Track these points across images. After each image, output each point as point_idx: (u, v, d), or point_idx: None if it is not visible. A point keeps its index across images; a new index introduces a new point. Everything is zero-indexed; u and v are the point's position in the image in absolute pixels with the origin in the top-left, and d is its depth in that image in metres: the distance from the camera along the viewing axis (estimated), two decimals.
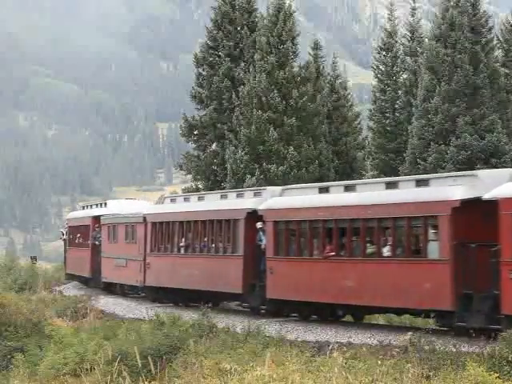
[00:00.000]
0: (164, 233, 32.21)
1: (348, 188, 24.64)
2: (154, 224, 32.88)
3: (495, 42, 39.46)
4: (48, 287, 41.97)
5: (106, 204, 42.21)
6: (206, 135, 45.03)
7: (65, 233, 47.74)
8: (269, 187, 29.25)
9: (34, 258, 51.18)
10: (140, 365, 19.40)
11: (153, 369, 19.56)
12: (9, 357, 28.61)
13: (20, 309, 31.75)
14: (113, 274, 37.61)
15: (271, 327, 24.25)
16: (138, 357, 18.99)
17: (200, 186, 45.66)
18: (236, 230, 27.82)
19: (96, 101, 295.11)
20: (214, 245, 29.12)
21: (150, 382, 19.69)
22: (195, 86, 45.58)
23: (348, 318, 26.36)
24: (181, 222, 31.08)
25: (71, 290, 42.07)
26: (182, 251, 30.91)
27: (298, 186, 29.00)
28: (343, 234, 24.01)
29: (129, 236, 35.52)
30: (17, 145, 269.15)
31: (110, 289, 38.64)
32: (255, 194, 28.16)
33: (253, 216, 26.79)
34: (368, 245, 23.15)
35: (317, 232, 24.87)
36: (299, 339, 22.53)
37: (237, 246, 27.63)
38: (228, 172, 40.62)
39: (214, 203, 29.82)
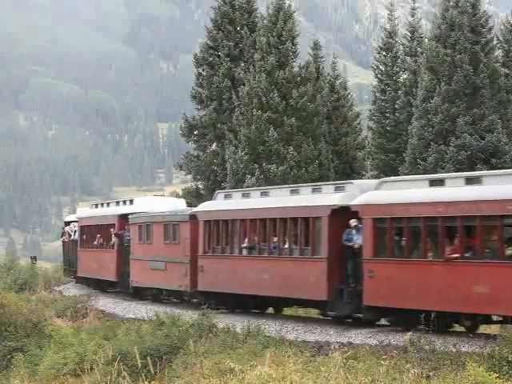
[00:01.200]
0: (221, 232, 28.59)
1: (471, 180, 21.40)
2: (207, 223, 29.06)
3: (495, 42, 39.47)
4: (48, 287, 41.97)
5: (131, 201, 37.45)
6: (206, 135, 45.06)
7: (72, 233, 43.74)
8: (355, 181, 26.74)
9: (33, 258, 51.10)
10: (140, 365, 19.42)
11: (152, 369, 19.59)
12: (9, 357, 28.64)
13: (20, 309, 31.76)
14: (146, 278, 33.49)
15: (271, 327, 24.24)
16: (137, 357, 19.01)
17: (200, 186, 45.70)
18: (317, 228, 24.43)
19: (96, 101, 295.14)
20: (286, 246, 25.80)
21: (149, 382, 19.70)
22: (195, 86, 45.61)
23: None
24: (242, 221, 27.59)
25: (71, 289, 42.05)
26: (245, 253, 27.47)
27: (400, 178, 26.37)
28: (470, 233, 20.89)
29: (169, 236, 31.60)
30: (17, 145, 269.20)
31: (141, 294, 34.68)
32: (337, 189, 24.84)
33: (337, 213, 23.70)
34: (506, 245, 20.28)
35: (433, 231, 21.54)
36: (299, 339, 22.52)
37: (319, 246, 24.32)
38: (228, 172, 40.63)
39: (285, 199, 26.36)
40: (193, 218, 30.00)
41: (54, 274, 48.70)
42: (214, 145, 45.23)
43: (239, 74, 43.06)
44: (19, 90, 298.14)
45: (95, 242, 39.16)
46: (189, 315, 26.18)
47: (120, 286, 36.38)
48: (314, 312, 26.95)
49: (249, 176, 38.63)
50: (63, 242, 47.07)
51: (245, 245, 27.43)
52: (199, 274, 29.27)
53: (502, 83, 37.94)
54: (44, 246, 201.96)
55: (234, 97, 42.13)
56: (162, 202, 38.07)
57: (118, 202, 39.25)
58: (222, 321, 25.58)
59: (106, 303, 34.85)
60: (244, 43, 44.28)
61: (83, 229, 41.44)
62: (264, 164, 38.88)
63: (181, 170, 47.69)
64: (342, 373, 16.10)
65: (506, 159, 35.64)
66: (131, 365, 21.08)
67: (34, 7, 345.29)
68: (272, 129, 39.11)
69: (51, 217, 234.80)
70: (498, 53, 40.32)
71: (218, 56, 44.81)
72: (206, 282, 29.03)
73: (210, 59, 44.91)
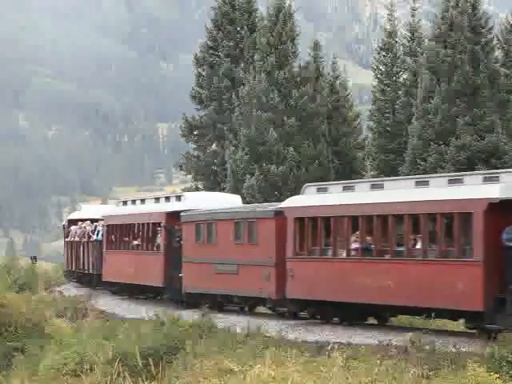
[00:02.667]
0: (319, 231, 24.66)
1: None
2: (298, 220, 25.17)
3: (495, 42, 39.46)
4: (48, 287, 41.96)
5: (179, 197, 33.18)
6: (206, 135, 45.11)
7: (90, 233, 39.79)
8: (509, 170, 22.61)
9: (33, 258, 51.07)
10: (140, 365, 19.42)
11: (153, 369, 19.58)
12: (9, 357, 28.62)
13: (20, 309, 31.73)
14: (206, 284, 29.16)
15: (271, 327, 24.23)
16: (138, 357, 19.02)
17: (200, 186, 45.71)
18: (468, 226, 20.86)
19: (96, 101, 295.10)
20: (418, 246, 22.27)
21: (149, 382, 19.70)
22: (195, 86, 45.65)
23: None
24: (351, 218, 23.70)
25: (71, 290, 42.05)
26: (356, 255, 23.59)
27: None
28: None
29: (242, 235, 27.62)
30: (17, 145, 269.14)
31: (197, 300, 29.57)
32: (488, 179, 21.15)
33: (495, 207, 20.19)
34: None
35: None
36: (299, 339, 22.51)
37: (470, 247, 20.84)
38: (228, 172, 40.65)
39: (411, 192, 22.57)
40: (278, 214, 26.12)
41: (54, 274, 48.71)
42: (214, 145, 45.27)
43: (239, 74, 43.09)
44: (19, 90, 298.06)
45: (132, 243, 34.83)
46: (189, 315, 26.19)
47: (168, 293, 31.77)
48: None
49: (249, 176, 38.64)
50: (68, 242, 43.86)
51: (356, 246, 23.56)
52: (288, 279, 25.14)
53: (502, 83, 37.94)
54: (44, 246, 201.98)
55: (233, 97, 42.15)
56: (217, 198, 33.57)
57: (157, 199, 34.96)
58: (222, 321, 25.58)
59: (106, 303, 34.85)
60: (244, 43, 44.31)
61: (111, 228, 37.16)
62: (264, 164, 38.90)
63: (181, 169, 47.72)
64: (342, 372, 16.10)
65: (506, 159, 35.64)
66: (131, 365, 21.08)
67: (34, 7, 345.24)
68: (272, 129, 39.13)
69: (51, 217, 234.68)
70: (498, 53, 40.31)
71: (218, 56, 44.85)
72: (299, 288, 24.93)
73: (210, 59, 44.96)
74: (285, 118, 39.28)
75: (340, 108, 45.35)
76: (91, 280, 40.24)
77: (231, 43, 44.38)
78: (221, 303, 29.19)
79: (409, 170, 36.79)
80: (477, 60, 36.75)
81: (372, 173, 43.22)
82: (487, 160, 35.48)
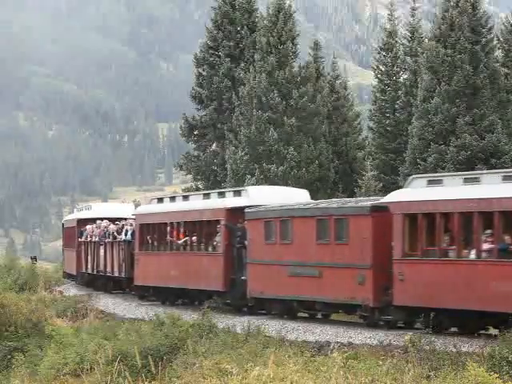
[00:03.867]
0: (437, 229, 21.64)
1: None
2: (409, 217, 22.26)
3: (495, 42, 39.44)
4: (48, 287, 41.98)
5: (239, 192, 29.74)
6: (206, 135, 45.09)
7: (122, 232, 36.06)
8: None
9: (33, 258, 51.14)
10: (140, 365, 19.42)
11: (153, 369, 19.58)
12: (9, 357, 28.63)
13: (20, 309, 31.77)
14: (279, 288, 26.14)
15: (271, 327, 24.22)
16: (137, 357, 19.01)
17: (200, 186, 45.70)
18: None
19: (96, 101, 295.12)
20: None
21: (149, 382, 19.70)
22: (195, 86, 45.63)
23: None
24: (482, 214, 20.64)
25: (71, 290, 42.06)
26: (488, 255, 20.56)
27: None
28: None
29: (328, 235, 24.71)
30: (17, 145, 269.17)
31: (267, 307, 27.24)
32: None
33: None
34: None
35: None
36: (299, 339, 22.52)
37: None
38: (228, 172, 40.64)
39: None
40: (375, 210, 23.45)
41: (54, 274, 48.74)
42: (214, 145, 45.25)
43: (239, 74, 43.07)
44: (19, 90, 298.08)
45: (177, 243, 31.35)
46: (189, 315, 26.18)
47: (231, 298, 28.46)
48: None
49: (249, 176, 38.64)
50: (83, 242, 40.66)
51: (489, 246, 20.58)
52: (396, 283, 22.21)
53: (502, 83, 37.92)
54: (44, 246, 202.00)
55: (233, 97, 42.13)
56: (283, 192, 30.21)
57: (207, 195, 31.46)
58: (222, 321, 25.58)
59: (106, 303, 34.84)
60: (244, 43, 44.29)
61: (146, 228, 33.61)
62: (264, 164, 38.87)
63: (181, 170, 47.68)
64: (341, 372, 16.10)
65: (506, 159, 35.63)
66: (131, 365, 21.09)
67: (34, 7, 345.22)
68: (272, 129, 39.12)
69: (51, 217, 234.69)
70: (498, 53, 40.29)
71: (218, 56, 44.84)
72: (410, 294, 21.90)
73: (210, 59, 44.93)
74: (285, 118, 39.26)
75: (340, 108, 45.33)
76: (108, 283, 38.24)
77: (231, 43, 44.36)
78: (293, 309, 26.27)
79: (409, 170, 36.78)
80: (477, 60, 36.74)
81: (372, 173, 43.21)
82: (487, 160, 35.47)
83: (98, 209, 44.13)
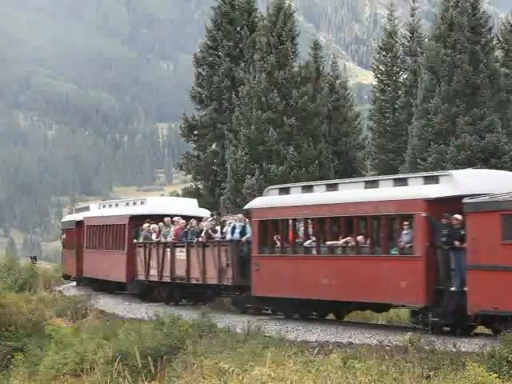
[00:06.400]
0: None
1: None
2: None
3: (495, 42, 39.50)
4: (48, 287, 41.94)
5: (436, 178, 22.85)
6: (205, 135, 45.09)
7: (226, 229, 28.57)
8: None
9: (33, 258, 51.05)
10: (140, 365, 19.40)
11: (153, 369, 19.57)
12: (9, 357, 28.63)
13: (20, 309, 31.76)
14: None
15: (271, 327, 24.22)
16: (138, 357, 18.98)
17: (200, 186, 45.71)
18: None
19: (96, 101, 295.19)
20: None
21: (149, 382, 19.69)
22: (195, 86, 45.64)
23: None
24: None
25: (71, 289, 42.04)
26: None
27: None
28: None
29: None
30: (17, 145, 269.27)
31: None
32: None
33: None
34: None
35: None
36: (299, 339, 22.52)
37: None
38: (228, 172, 40.64)
39: None
40: None
41: (54, 274, 48.70)
42: (214, 145, 45.24)
43: (239, 74, 43.06)
44: (19, 90, 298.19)
45: (337, 244, 24.38)
46: (189, 315, 26.18)
47: (438, 314, 21.47)
48: None
49: (249, 176, 38.64)
50: (144, 244, 33.09)
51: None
52: None
53: (502, 83, 37.96)
54: (44, 246, 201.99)
55: (233, 97, 42.12)
56: (502, 177, 23.62)
57: (373, 182, 24.48)
58: (222, 321, 25.58)
59: (106, 303, 34.81)
60: (244, 43, 44.29)
61: (270, 224, 26.45)
62: (264, 164, 38.87)
63: (181, 170, 47.66)
64: (339, 372, 16.09)
65: (506, 159, 35.66)
66: (131, 365, 21.08)
67: (34, 7, 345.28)
68: (272, 129, 39.11)
69: (51, 217, 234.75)
70: (498, 53, 40.34)
71: (218, 56, 44.84)
72: None
73: (210, 59, 44.94)
74: (285, 118, 39.26)
75: (340, 108, 45.37)
76: (194, 292, 31.47)
77: (231, 43, 44.36)
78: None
79: (409, 170, 36.80)
80: (477, 60, 36.76)
81: (372, 173, 43.25)
82: (487, 160, 35.48)
83: (156, 204, 35.98)
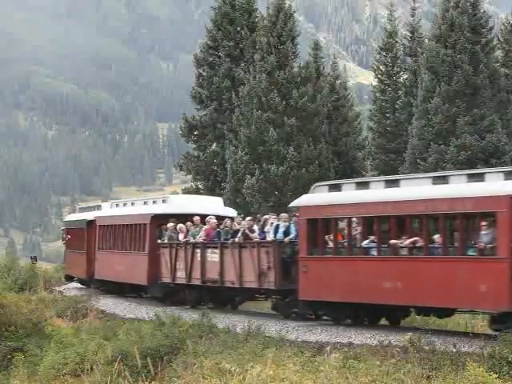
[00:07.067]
0: None
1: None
2: None
3: (495, 42, 39.52)
4: (48, 287, 41.92)
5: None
6: (206, 135, 45.09)
7: (268, 229, 26.29)
8: None
9: (33, 258, 51.06)
10: (140, 365, 19.41)
11: (152, 369, 19.58)
12: (9, 357, 28.61)
13: (20, 309, 31.72)
14: None
15: (271, 327, 24.22)
16: (137, 357, 19.00)
17: (200, 186, 45.70)
18: None
19: (96, 101, 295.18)
20: None
21: (149, 382, 19.69)
22: (195, 86, 45.64)
23: None
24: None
25: (71, 290, 42.03)
26: None
27: None
28: None
29: None
30: (17, 145, 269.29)
31: None
32: None
33: None
34: None
35: None
36: (299, 339, 22.51)
37: None
38: (228, 172, 40.65)
39: None
40: None
41: (54, 274, 48.69)
42: (214, 145, 45.25)
43: (239, 74, 43.07)
44: (19, 90, 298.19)
45: (403, 244, 21.78)
46: (189, 315, 26.17)
47: None
48: None
49: (249, 176, 38.64)
50: (171, 245, 30.47)
51: None
52: None
53: (502, 83, 37.98)
54: (44, 246, 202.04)
55: (233, 97, 42.14)
56: None
57: (439, 178, 21.61)
58: (222, 321, 25.57)
59: (106, 303, 34.81)
60: (244, 43, 44.31)
61: (323, 224, 23.92)
62: (264, 164, 38.88)
63: (181, 170, 47.65)
64: (342, 373, 16.09)
65: (506, 159, 35.67)
66: (131, 365, 21.07)
67: (34, 7, 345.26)
68: (272, 129, 39.12)
69: (51, 217, 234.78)
70: (498, 53, 40.36)
71: (218, 56, 44.85)
72: None
73: (210, 59, 44.95)
74: (285, 118, 39.27)
75: (340, 108, 45.38)
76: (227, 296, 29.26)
77: (231, 43, 44.37)
78: None
79: (409, 170, 36.81)
80: (477, 60, 36.76)
81: (372, 173, 43.25)
82: (487, 160, 35.50)
83: (181, 202, 33.13)
